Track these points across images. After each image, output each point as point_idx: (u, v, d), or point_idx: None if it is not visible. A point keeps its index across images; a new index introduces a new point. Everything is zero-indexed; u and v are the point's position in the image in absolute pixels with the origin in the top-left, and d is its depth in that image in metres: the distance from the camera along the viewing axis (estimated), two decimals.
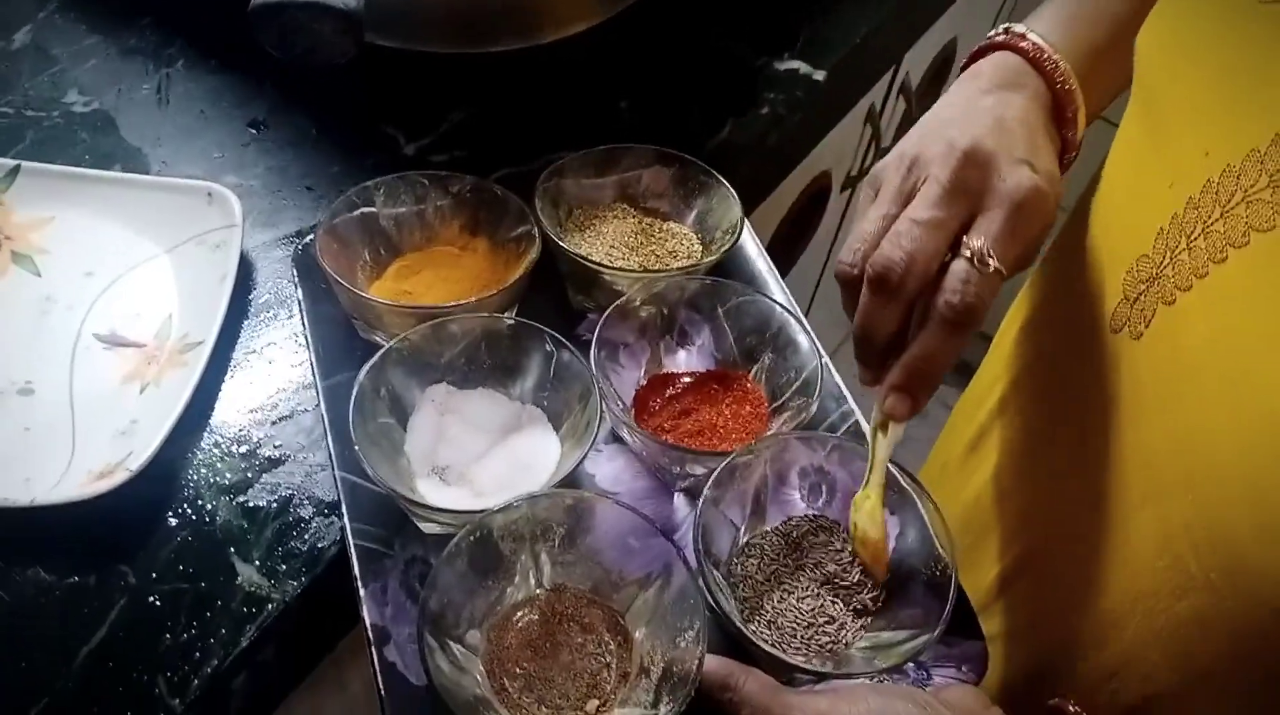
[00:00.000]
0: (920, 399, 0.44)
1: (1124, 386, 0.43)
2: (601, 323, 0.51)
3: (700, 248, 0.60)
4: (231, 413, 0.53)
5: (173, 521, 0.49)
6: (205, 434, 0.52)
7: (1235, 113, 0.39)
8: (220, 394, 0.54)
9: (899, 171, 0.44)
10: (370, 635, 0.44)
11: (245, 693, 0.47)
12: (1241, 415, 0.36)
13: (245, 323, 0.58)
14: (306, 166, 0.66)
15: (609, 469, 0.52)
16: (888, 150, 1.22)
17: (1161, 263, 0.41)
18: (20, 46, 0.73)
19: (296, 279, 0.56)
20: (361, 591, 0.45)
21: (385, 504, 0.47)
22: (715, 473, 0.46)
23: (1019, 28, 0.49)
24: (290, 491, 0.50)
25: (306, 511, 0.50)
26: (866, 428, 0.53)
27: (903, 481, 0.47)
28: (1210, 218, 0.38)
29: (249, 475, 0.51)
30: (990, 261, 0.41)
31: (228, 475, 0.51)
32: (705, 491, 0.45)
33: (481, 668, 0.43)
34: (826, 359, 0.53)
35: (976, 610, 0.52)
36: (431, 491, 0.48)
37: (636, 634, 0.44)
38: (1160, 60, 0.44)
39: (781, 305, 0.55)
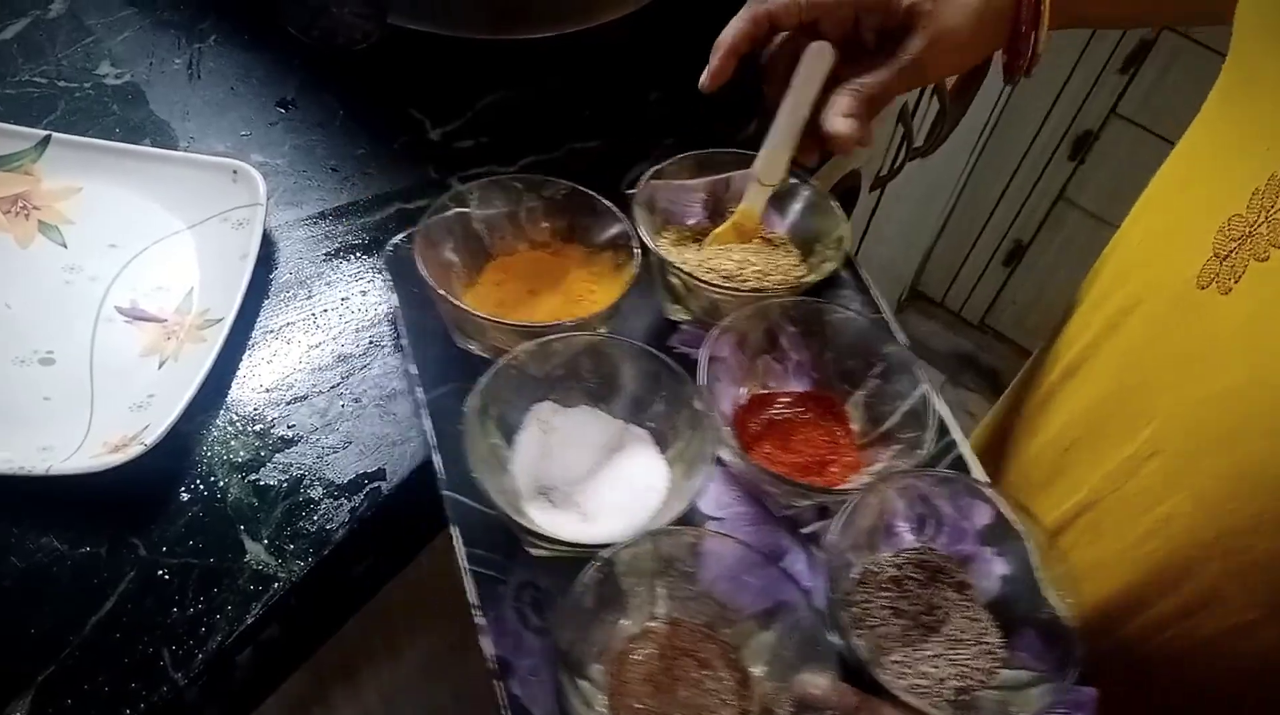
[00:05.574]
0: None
1: (1203, 341, 0.45)
2: (713, 343, 0.50)
3: (798, 259, 0.58)
4: (247, 391, 0.54)
5: (185, 496, 0.49)
6: (220, 411, 0.53)
7: None
8: (237, 372, 0.54)
9: None
10: (495, 667, 0.43)
11: (249, 669, 0.47)
12: None
13: (265, 302, 0.58)
14: (332, 147, 0.66)
15: (710, 492, 0.50)
16: (919, 150, 1.20)
17: (1256, 221, 0.43)
18: (56, 15, 0.73)
19: (392, 283, 0.55)
20: (482, 621, 0.44)
21: (493, 525, 0.46)
22: (841, 517, 0.45)
23: None
24: (301, 472, 0.51)
25: (316, 493, 0.50)
26: (969, 457, 0.52)
27: (1012, 517, 0.46)
28: None
29: (261, 454, 0.51)
30: None
31: (241, 453, 0.51)
32: (830, 536, 0.44)
33: (606, 702, 0.42)
34: (928, 387, 0.51)
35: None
36: (539, 514, 0.47)
37: (755, 670, 0.44)
38: (1259, 28, 0.45)
39: (887, 328, 0.54)
